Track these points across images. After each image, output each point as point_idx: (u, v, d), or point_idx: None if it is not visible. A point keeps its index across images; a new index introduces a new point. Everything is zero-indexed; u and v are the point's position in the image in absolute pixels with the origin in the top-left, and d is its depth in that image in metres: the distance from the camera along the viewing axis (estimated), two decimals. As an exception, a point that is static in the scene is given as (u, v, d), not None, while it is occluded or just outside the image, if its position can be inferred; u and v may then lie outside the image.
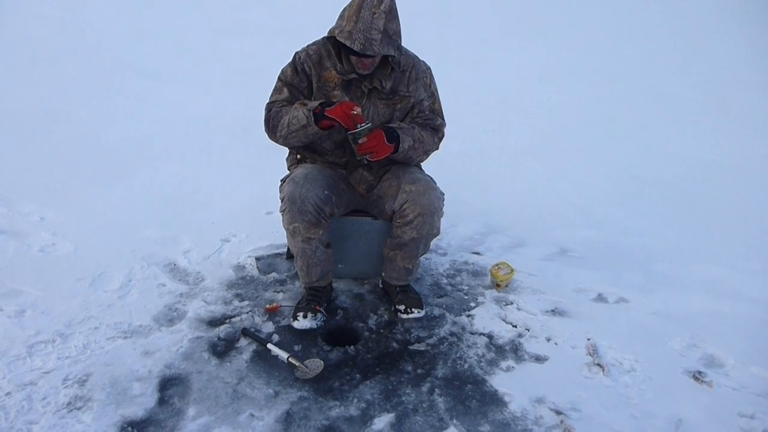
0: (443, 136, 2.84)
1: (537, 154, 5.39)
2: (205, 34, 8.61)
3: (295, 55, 2.64)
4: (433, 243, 2.93)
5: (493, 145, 5.50)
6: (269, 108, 2.63)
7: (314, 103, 2.47)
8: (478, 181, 4.60)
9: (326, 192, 2.57)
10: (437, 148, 2.82)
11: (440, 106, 2.82)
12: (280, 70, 2.67)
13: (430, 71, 2.78)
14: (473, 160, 5.07)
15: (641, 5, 12.10)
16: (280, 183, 2.78)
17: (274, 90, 2.67)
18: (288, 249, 3.18)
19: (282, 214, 2.58)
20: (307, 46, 2.65)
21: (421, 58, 2.76)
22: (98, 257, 3.11)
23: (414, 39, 3.53)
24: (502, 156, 5.28)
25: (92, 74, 6.60)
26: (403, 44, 2.57)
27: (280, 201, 2.62)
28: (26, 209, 3.57)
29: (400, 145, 2.57)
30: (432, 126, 2.77)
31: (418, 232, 2.62)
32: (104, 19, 8.80)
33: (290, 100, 2.61)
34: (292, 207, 2.50)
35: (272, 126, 2.60)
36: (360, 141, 2.45)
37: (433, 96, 2.79)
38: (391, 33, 2.40)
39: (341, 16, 2.42)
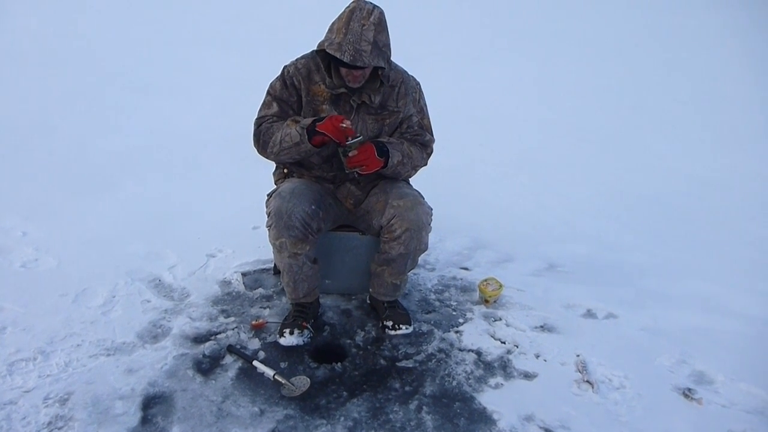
0: (432, 152, 2.84)
1: (526, 168, 5.40)
2: (192, 48, 8.57)
3: (283, 68, 2.63)
4: (421, 258, 2.91)
5: (481, 160, 5.50)
6: (259, 123, 2.61)
7: (307, 121, 2.46)
8: (467, 196, 4.58)
9: (313, 207, 2.55)
10: (426, 164, 2.82)
11: (429, 122, 2.82)
12: (268, 84, 2.65)
13: (420, 87, 2.78)
14: (461, 175, 5.06)
15: (631, 21, 12.22)
16: (266, 198, 2.76)
17: (263, 104, 2.65)
18: (275, 264, 3.15)
19: (268, 229, 2.55)
20: (296, 59, 2.63)
21: (410, 73, 2.75)
22: (81, 273, 3.06)
23: (404, 53, 3.52)
24: (490, 170, 5.28)
25: (78, 87, 6.55)
26: (393, 58, 2.56)
27: (266, 216, 2.60)
28: (8, 224, 3.52)
29: (390, 159, 2.56)
30: (421, 142, 2.76)
31: (406, 247, 2.60)
32: (91, 33, 8.75)
33: (279, 114, 2.59)
34: (279, 222, 2.48)
35: (263, 142, 2.59)
36: (350, 154, 2.45)
37: (422, 112, 2.79)
38: (381, 45, 2.39)
39: (330, 29, 2.41)
